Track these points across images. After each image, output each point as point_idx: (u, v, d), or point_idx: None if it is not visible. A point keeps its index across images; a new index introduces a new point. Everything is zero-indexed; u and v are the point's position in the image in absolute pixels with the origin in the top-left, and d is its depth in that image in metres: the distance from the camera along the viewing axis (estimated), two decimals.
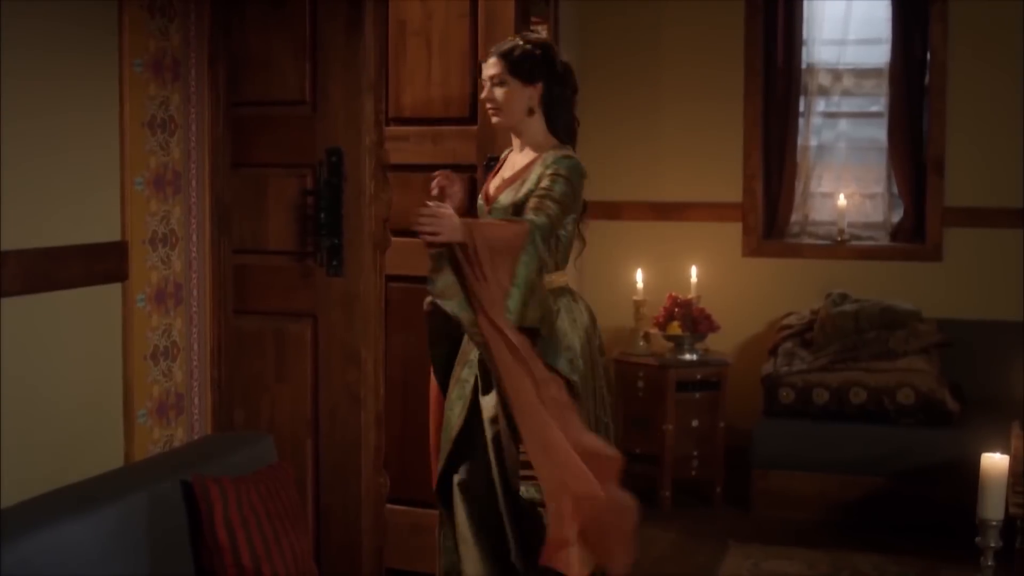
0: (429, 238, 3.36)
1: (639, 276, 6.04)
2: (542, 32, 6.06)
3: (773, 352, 5.93)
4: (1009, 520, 4.34)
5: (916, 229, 6.32)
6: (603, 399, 3.84)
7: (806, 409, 5.61)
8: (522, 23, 4.27)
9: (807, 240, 6.50)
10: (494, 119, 3.78)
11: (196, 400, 3.58)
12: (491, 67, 3.74)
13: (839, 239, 6.37)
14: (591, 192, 6.47)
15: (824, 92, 6.49)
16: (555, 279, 3.74)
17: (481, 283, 3.38)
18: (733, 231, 6.47)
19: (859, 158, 6.51)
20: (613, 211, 6.58)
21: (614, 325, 6.29)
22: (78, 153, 3.13)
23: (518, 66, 3.72)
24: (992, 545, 4.19)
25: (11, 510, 2.82)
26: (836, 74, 6.47)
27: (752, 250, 6.45)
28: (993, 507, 4.19)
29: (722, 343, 6.14)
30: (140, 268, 3.31)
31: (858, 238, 6.44)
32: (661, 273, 6.30)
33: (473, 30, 4.26)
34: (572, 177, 3.72)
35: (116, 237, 3.23)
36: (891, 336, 5.67)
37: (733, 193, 6.46)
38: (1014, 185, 6.11)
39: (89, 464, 3.18)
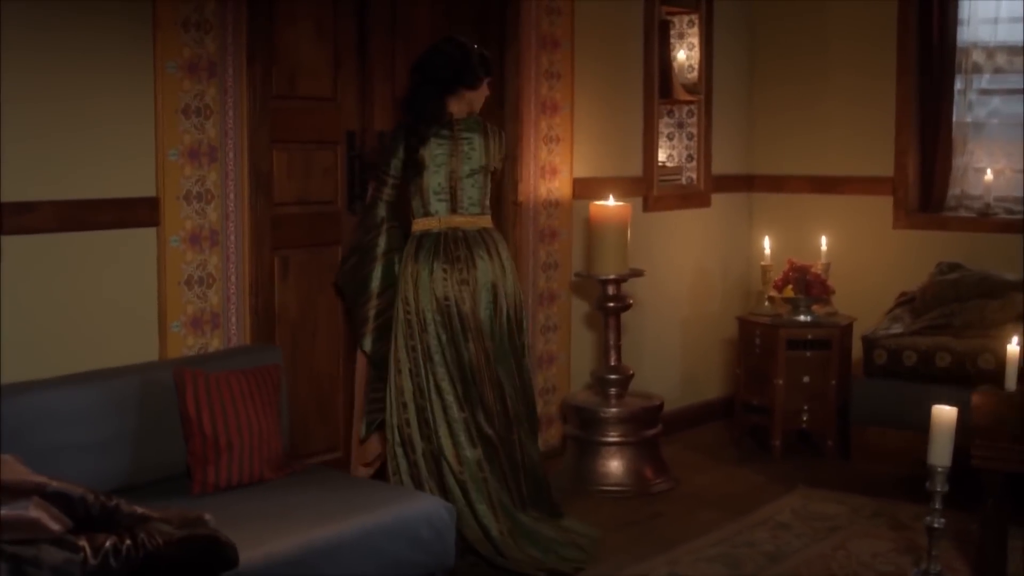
0: None
1: (767, 243, 6.58)
2: (695, 21, 6.74)
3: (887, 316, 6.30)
4: (968, 469, 4.68)
5: None
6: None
7: (897, 370, 5.96)
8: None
9: (964, 214, 6.74)
10: None
11: (234, 320, 4.67)
12: None
13: (984, 213, 6.59)
14: (760, 167, 7.12)
15: (978, 70, 6.69)
16: (416, 224, 4.84)
17: None
18: (885, 204, 6.82)
19: (1017, 134, 6.65)
20: (777, 184, 7.14)
21: (759, 288, 6.83)
22: (120, 134, 4.24)
23: None
24: (939, 490, 4.60)
25: (16, 385, 3.98)
26: (989, 52, 6.66)
27: (902, 223, 6.78)
28: (941, 455, 4.59)
29: (858, 308, 6.55)
30: (174, 217, 4.41)
31: (1011, 212, 6.61)
32: (811, 242, 6.77)
33: None
34: (389, 142, 4.91)
35: (151, 194, 4.40)
36: (987, 305, 5.91)
37: (886, 168, 6.81)
38: None
39: (129, 359, 4.37)
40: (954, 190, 6.81)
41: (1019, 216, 6.56)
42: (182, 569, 3.35)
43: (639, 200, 6.33)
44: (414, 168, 4.75)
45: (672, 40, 6.74)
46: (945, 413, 4.59)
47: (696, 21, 6.72)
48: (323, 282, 5.13)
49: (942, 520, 4.56)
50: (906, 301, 6.32)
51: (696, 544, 5.01)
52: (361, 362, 4.96)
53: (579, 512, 5.32)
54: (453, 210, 4.81)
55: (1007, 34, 6.62)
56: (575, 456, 5.77)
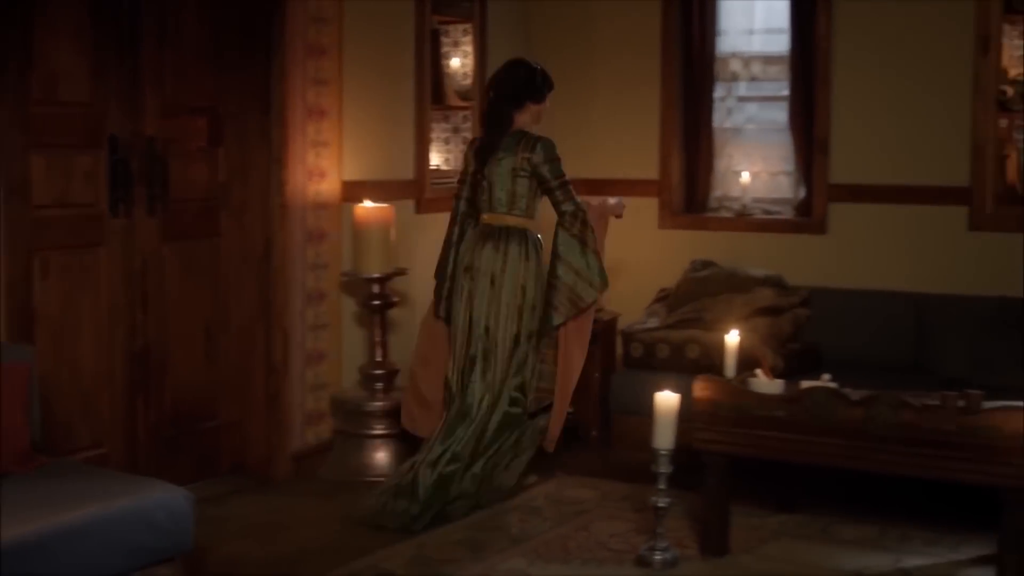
0: None
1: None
2: (470, 30, 7.01)
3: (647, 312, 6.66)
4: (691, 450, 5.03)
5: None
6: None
7: (651, 362, 6.32)
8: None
9: (724, 214, 7.13)
10: None
11: None
12: None
13: (742, 214, 7.00)
14: None
15: (736, 78, 7.11)
16: None
17: None
18: (651, 205, 7.19)
19: (772, 138, 7.09)
20: None
21: None
22: None
23: None
24: (663, 471, 4.92)
25: None
26: (746, 61, 7.08)
27: (667, 223, 7.15)
28: (664, 438, 4.91)
29: (625, 305, 6.90)
30: None
31: (768, 212, 7.03)
32: None
33: None
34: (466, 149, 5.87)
35: None
36: (734, 299, 6.30)
37: (652, 171, 7.18)
38: (892, 163, 6.59)
39: None
40: (716, 192, 7.21)
41: (774, 216, 6.98)
42: None
43: (411, 202, 6.58)
44: (475, 176, 5.64)
45: (447, 48, 7.02)
46: (667, 399, 4.92)
47: (470, 30, 6.99)
48: (86, 282, 5.25)
49: (667, 499, 4.90)
50: (663, 297, 6.68)
51: (447, 529, 5.26)
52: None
53: (343, 502, 5.58)
54: (489, 209, 5.57)
55: (762, 44, 7.06)
56: (343, 449, 5.99)
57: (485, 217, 5.61)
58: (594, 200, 5.75)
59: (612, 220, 5.79)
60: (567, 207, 5.52)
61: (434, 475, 5.36)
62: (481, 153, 5.60)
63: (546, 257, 5.63)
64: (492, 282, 5.52)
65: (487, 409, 5.51)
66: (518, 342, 5.54)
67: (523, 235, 5.59)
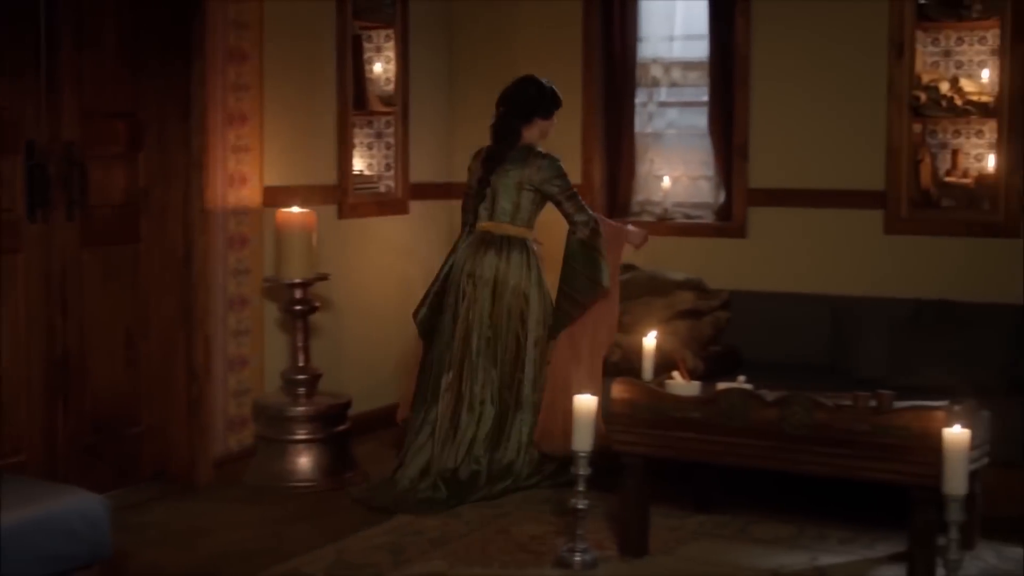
0: None
1: None
2: (392, 36, 7.03)
3: None
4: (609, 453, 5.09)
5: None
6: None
7: None
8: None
9: (646, 218, 7.20)
10: None
11: None
12: None
13: (663, 218, 7.08)
14: (458, 175, 7.42)
15: (657, 83, 7.20)
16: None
17: None
18: None
19: (692, 143, 7.18)
20: None
21: None
22: None
23: None
24: (582, 473, 4.96)
25: None
26: (666, 67, 7.17)
27: None
28: (582, 441, 4.94)
29: None
30: None
31: (689, 217, 7.11)
32: None
33: None
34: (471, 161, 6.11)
35: None
36: (654, 303, 6.36)
37: (574, 176, 7.19)
38: (809, 168, 6.70)
39: None
40: (638, 196, 7.29)
41: (695, 220, 7.06)
42: None
43: (334, 207, 6.59)
44: (480, 184, 5.90)
45: (369, 53, 7.03)
46: (585, 402, 4.96)
47: (392, 35, 7.01)
48: (4, 289, 5.16)
49: (586, 502, 4.92)
50: None
51: (368, 533, 5.27)
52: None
53: (265, 506, 5.60)
54: (491, 217, 5.85)
55: (682, 51, 7.15)
56: (266, 455, 5.99)
57: (485, 224, 5.86)
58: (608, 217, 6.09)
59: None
60: (579, 217, 5.79)
61: (461, 479, 5.70)
62: (488, 163, 5.88)
63: (557, 265, 5.87)
64: (495, 289, 5.77)
65: (497, 414, 5.77)
66: (523, 348, 5.80)
67: (523, 244, 5.87)
